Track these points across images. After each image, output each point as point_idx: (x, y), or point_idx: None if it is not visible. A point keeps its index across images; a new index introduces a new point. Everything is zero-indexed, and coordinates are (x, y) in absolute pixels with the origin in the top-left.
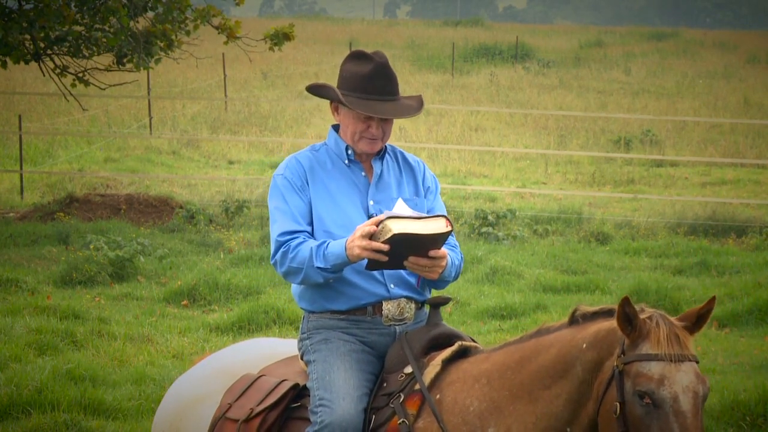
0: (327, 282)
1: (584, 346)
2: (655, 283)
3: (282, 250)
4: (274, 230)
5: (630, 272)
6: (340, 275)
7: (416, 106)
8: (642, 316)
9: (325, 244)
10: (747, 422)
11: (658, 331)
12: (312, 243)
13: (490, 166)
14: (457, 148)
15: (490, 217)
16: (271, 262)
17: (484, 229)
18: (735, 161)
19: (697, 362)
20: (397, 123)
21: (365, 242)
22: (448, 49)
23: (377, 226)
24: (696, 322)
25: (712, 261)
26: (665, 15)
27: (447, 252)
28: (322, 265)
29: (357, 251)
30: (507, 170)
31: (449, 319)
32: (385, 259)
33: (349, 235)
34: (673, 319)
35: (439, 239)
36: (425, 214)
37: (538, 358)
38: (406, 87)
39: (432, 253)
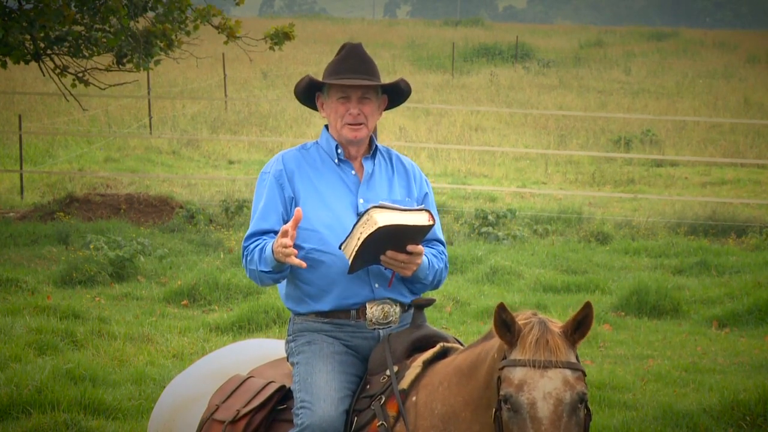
0: (281, 280)
1: (495, 354)
2: (655, 283)
3: (244, 255)
4: (246, 235)
5: (630, 272)
6: (286, 275)
7: (396, 80)
8: (522, 321)
9: (266, 247)
10: (747, 422)
11: (528, 337)
12: (261, 245)
13: (490, 166)
14: (457, 147)
15: (490, 217)
16: (243, 266)
17: (484, 229)
18: (735, 161)
19: (575, 369)
20: (397, 123)
21: (277, 243)
22: (448, 49)
23: (363, 216)
24: (576, 328)
25: (712, 261)
26: (665, 15)
27: (424, 249)
28: (264, 269)
29: (277, 251)
30: (507, 170)
31: (450, 319)
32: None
33: (335, 235)
34: (554, 325)
35: (419, 232)
36: (409, 207)
37: (481, 367)
38: None
39: (410, 248)
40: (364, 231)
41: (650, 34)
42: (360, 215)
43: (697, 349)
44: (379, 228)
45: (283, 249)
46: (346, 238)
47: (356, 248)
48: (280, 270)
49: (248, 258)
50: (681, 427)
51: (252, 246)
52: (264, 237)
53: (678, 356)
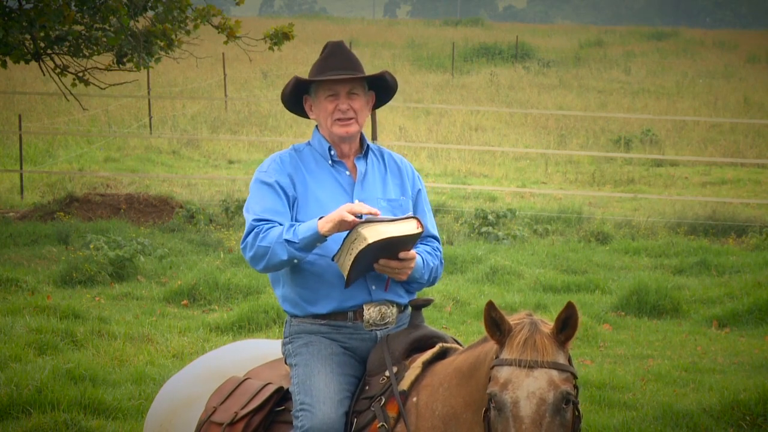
0: (291, 261)
1: (492, 355)
2: (655, 282)
3: (255, 231)
4: (250, 216)
5: (630, 272)
6: (304, 257)
7: (380, 72)
8: (515, 321)
9: (298, 223)
10: (747, 422)
11: (517, 337)
12: (285, 225)
13: (490, 166)
14: (457, 147)
15: (490, 217)
16: (241, 246)
17: (484, 229)
18: (735, 161)
19: (563, 370)
20: (397, 123)
21: (345, 211)
22: (448, 49)
23: (351, 233)
24: (561, 329)
25: (712, 261)
26: (665, 15)
27: (416, 253)
28: (290, 238)
29: (335, 217)
30: (507, 170)
31: (450, 319)
32: (349, 225)
33: (332, 239)
34: (545, 326)
35: (409, 241)
36: (396, 217)
37: (480, 368)
38: (406, 87)
39: (402, 254)
40: (354, 248)
41: (650, 34)
42: (348, 231)
43: (697, 349)
44: (369, 244)
45: (353, 208)
46: (338, 251)
47: (350, 264)
48: (307, 248)
49: (261, 236)
50: (681, 427)
51: (267, 226)
52: (275, 222)
53: (678, 356)
